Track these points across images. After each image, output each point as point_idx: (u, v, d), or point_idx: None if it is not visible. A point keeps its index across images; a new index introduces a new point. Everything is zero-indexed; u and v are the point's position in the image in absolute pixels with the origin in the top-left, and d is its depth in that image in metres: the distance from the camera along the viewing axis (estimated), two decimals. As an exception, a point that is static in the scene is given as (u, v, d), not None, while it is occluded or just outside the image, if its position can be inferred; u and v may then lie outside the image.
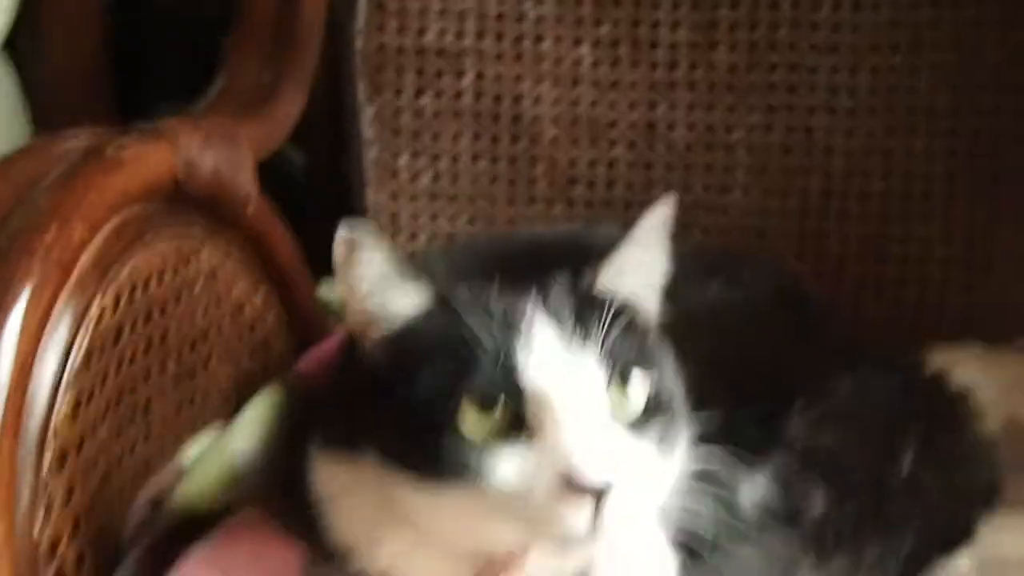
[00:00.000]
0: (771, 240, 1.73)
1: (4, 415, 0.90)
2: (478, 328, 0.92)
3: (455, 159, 1.78)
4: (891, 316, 1.71)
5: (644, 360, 0.97)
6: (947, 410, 1.28)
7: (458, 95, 1.77)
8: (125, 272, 1.09)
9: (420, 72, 1.77)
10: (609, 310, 0.96)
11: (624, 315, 0.97)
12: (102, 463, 1.07)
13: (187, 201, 1.20)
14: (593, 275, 1.01)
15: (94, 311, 1.04)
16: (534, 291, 0.97)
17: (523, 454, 0.90)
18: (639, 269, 1.03)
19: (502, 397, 0.90)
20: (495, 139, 1.78)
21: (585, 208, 1.76)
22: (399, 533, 1.00)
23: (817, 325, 1.35)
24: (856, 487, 1.15)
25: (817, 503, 1.13)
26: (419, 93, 1.77)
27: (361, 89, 1.77)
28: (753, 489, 1.11)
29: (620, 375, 0.94)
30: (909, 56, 1.70)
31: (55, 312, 0.98)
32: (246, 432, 1.21)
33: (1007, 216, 1.69)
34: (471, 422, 0.91)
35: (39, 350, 0.96)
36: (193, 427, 1.24)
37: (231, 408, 1.28)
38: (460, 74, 1.77)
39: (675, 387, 1.02)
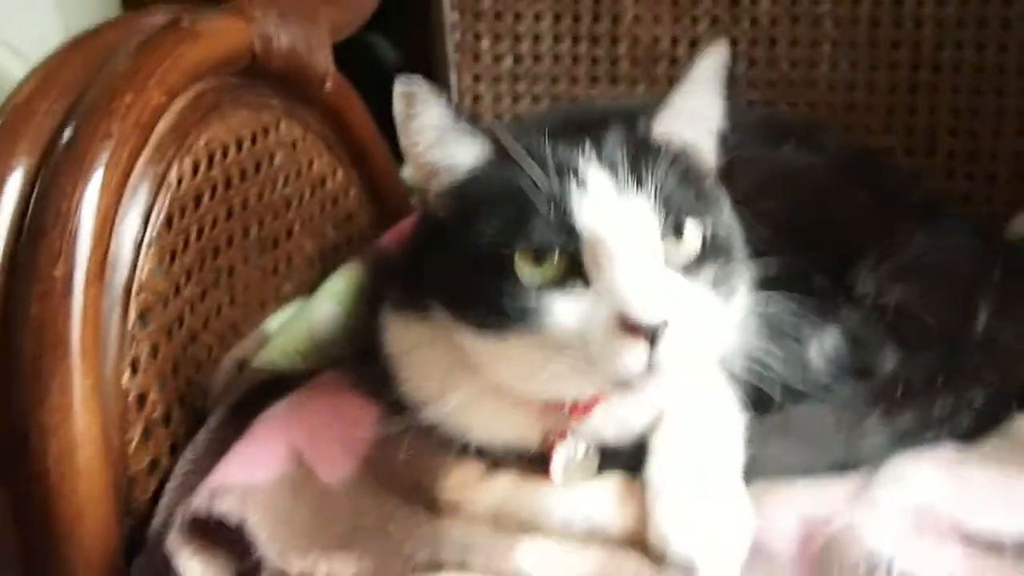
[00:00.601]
0: (859, 114, 1.67)
1: (89, 262, 0.91)
2: (534, 176, 0.92)
3: (537, 40, 1.75)
4: (981, 191, 1.64)
5: (699, 206, 0.95)
6: (1021, 270, 1.22)
7: (539, -25, 1.73)
8: (203, 140, 1.11)
9: (501, -47, 1.73)
10: (663, 157, 0.95)
11: (679, 162, 0.96)
12: (188, 323, 1.09)
13: (264, 76, 1.20)
14: (647, 123, 0.99)
15: (173, 176, 1.06)
16: (589, 141, 0.96)
17: (579, 298, 0.90)
18: (694, 114, 1.00)
19: (558, 243, 0.90)
20: (576, 19, 1.73)
21: (669, 87, 1.68)
22: (466, 384, 1.00)
23: (893, 187, 1.30)
24: (928, 343, 1.11)
25: (888, 359, 1.11)
26: (500, -25, 1.74)
27: (438, -21, 1.74)
28: (823, 343, 1.09)
29: (674, 221, 0.93)
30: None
31: (135, 173, 1.00)
32: (328, 301, 1.23)
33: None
34: (529, 268, 0.91)
35: (121, 208, 0.98)
36: (277, 295, 1.26)
37: (315, 279, 1.29)
38: (541, -46, 1.73)
39: (733, 232, 1.00)
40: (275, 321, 1.22)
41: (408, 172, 1.55)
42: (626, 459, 1.02)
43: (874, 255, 1.14)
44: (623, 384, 0.91)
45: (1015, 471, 1.00)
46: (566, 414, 1.01)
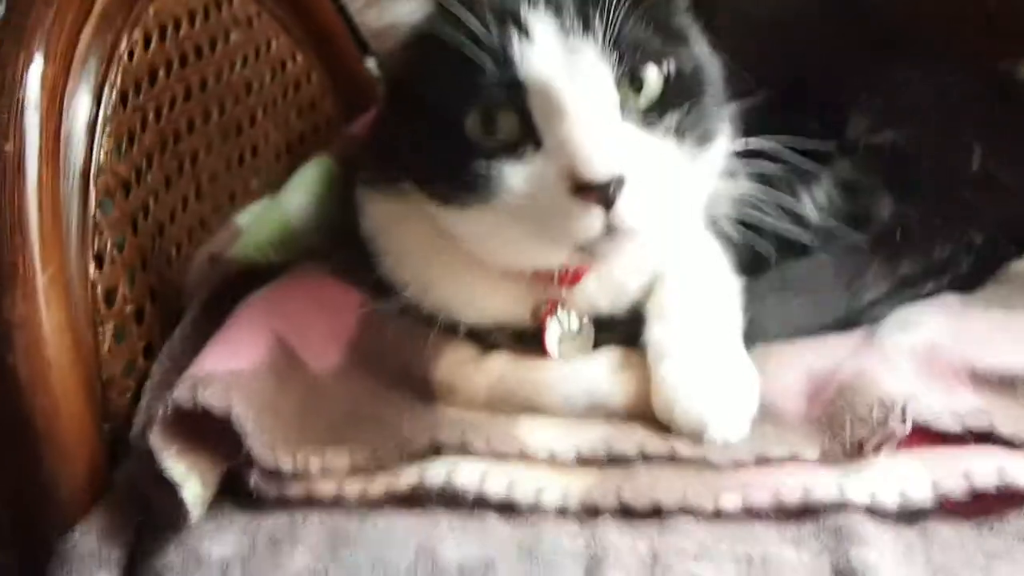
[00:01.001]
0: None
1: (41, 138, 0.84)
2: (473, 27, 0.83)
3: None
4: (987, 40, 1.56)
5: (661, 44, 0.86)
6: (1016, 104, 1.17)
7: None
8: (152, 10, 1.03)
9: None
10: None
11: None
12: (153, 214, 1.02)
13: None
14: None
15: (123, 47, 0.98)
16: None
17: (531, 160, 0.83)
18: None
19: (503, 99, 0.82)
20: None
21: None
22: (448, 257, 0.94)
23: (884, 25, 1.23)
24: (924, 184, 1.05)
25: (884, 205, 1.05)
26: None
27: None
28: (815, 191, 1.03)
29: (629, 65, 0.84)
30: None
31: (82, 43, 0.92)
32: (300, 193, 1.16)
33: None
34: (479, 131, 0.83)
35: (70, 81, 0.90)
36: (245, 189, 1.19)
37: (282, 173, 1.23)
38: None
39: (706, 69, 0.91)
40: (246, 215, 1.15)
41: (372, 62, 1.48)
42: (622, 331, 0.96)
43: (866, 95, 1.08)
44: (585, 249, 0.84)
45: (1019, 312, 0.96)
46: (555, 283, 0.95)
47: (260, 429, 0.83)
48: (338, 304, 0.99)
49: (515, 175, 0.83)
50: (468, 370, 0.95)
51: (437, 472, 0.83)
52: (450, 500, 0.82)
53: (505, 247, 0.88)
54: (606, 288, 0.97)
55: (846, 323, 0.98)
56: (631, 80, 0.84)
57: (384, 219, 0.99)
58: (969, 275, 1.03)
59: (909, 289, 1.00)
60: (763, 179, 0.95)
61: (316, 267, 1.04)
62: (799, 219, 1.01)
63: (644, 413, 0.89)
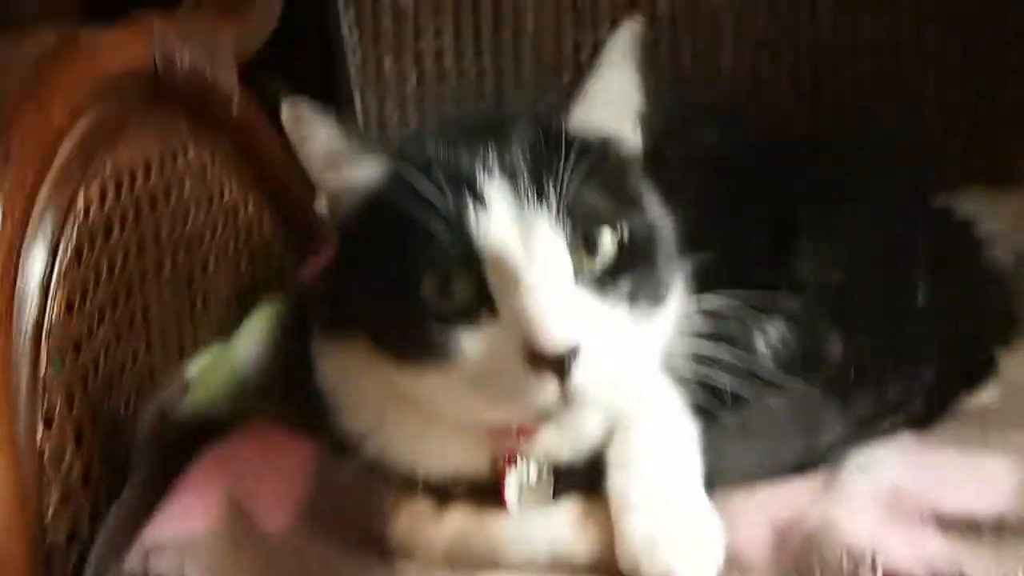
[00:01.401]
0: (765, 101, 1.60)
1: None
2: (429, 194, 0.82)
3: (440, 56, 1.66)
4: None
5: (615, 209, 0.86)
6: (956, 238, 1.18)
7: (438, -10, 1.65)
8: (109, 164, 1.02)
9: (396, -31, 1.64)
10: (572, 158, 0.84)
11: (594, 160, 0.86)
12: (103, 370, 0.99)
13: (169, 96, 1.11)
14: (560, 116, 0.89)
15: (80, 203, 0.97)
16: (491, 146, 0.86)
17: (487, 328, 0.81)
18: (612, 99, 0.91)
19: (458, 267, 0.81)
20: (477, 32, 1.65)
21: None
22: (406, 410, 0.91)
23: (817, 163, 1.24)
24: (872, 322, 1.05)
25: (835, 346, 1.03)
26: (397, -8, 1.65)
27: (341, 0, 1.64)
28: (768, 335, 1.01)
29: (583, 232, 0.83)
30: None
31: (40, 199, 0.90)
32: (250, 342, 1.13)
33: (1004, 56, 1.57)
34: (436, 298, 0.82)
35: (26, 238, 0.89)
36: (195, 339, 1.15)
37: (233, 320, 1.19)
38: (436, -33, 1.64)
39: (659, 231, 0.91)
40: (195, 366, 1.11)
41: (321, 205, 1.46)
42: (582, 479, 0.93)
43: (808, 233, 1.07)
44: (541, 415, 0.84)
45: (975, 451, 0.94)
46: (514, 435, 0.93)
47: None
48: (292, 460, 0.95)
49: (471, 341, 0.81)
50: (426, 526, 0.92)
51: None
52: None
53: (460, 408, 0.86)
54: (565, 436, 0.95)
55: (805, 466, 0.96)
56: (585, 245, 0.84)
57: (340, 371, 0.96)
58: (922, 413, 1.01)
59: (865, 429, 0.99)
60: (716, 326, 0.93)
61: (269, 420, 1.01)
62: (751, 364, 1.00)
63: (610, 567, 0.86)
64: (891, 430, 0.99)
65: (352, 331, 0.91)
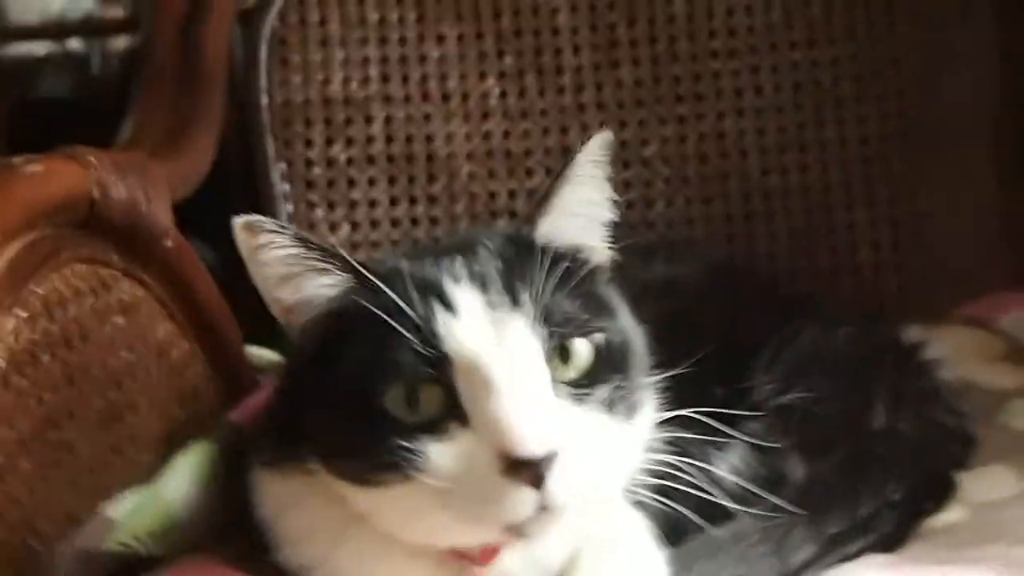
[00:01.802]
0: (701, 247, 1.62)
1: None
2: (397, 300, 0.79)
3: (373, 205, 1.65)
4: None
5: (588, 317, 0.84)
6: (909, 360, 1.19)
7: (369, 140, 1.65)
8: (40, 290, 0.97)
9: (328, 122, 1.64)
10: (543, 264, 0.83)
11: (564, 268, 0.84)
12: (26, 506, 0.92)
13: (103, 228, 1.07)
14: (528, 228, 0.88)
15: (9, 326, 0.92)
16: (458, 256, 0.84)
17: (458, 438, 0.77)
18: (580, 208, 0.89)
19: (426, 375, 0.78)
20: (411, 180, 1.65)
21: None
22: (356, 539, 0.86)
23: (766, 289, 1.24)
24: (834, 442, 1.04)
25: (797, 467, 1.02)
26: (329, 143, 1.64)
27: (270, 145, 1.63)
28: (730, 457, 0.99)
29: (559, 339, 0.81)
30: (808, 51, 1.64)
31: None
32: (180, 480, 1.05)
33: (928, 191, 1.62)
34: (402, 409, 0.78)
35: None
36: (122, 479, 1.08)
37: (161, 461, 1.12)
38: (369, 120, 1.65)
39: (631, 340, 0.89)
40: (119, 506, 1.03)
41: (255, 351, 1.42)
42: None
43: (765, 355, 1.07)
44: (516, 530, 0.78)
45: (954, 564, 0.91)
46: (476, 560, 0.87)
47: None
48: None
49: (440, 454, 0.77)
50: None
51: None
52: None
53: (425, 527, 0.81)
54: (526, 563, 0.89)
55: (778, 586, 0.93)
56: (560, 353, 0.81)
57: (283, 501, 0.90)
58: (892, 533, 0.99)
59: (838, 549, 0.95)
60: (678, 449, 0.90)
61: (205, 558, 0.94)
62: (715, 485, 0.96)
63: None
64: (862, 552, 0.96)
65: (298, 455, 0.86)
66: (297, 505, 0.89)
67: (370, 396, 0.78)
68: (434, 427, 0.77)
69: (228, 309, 1.31)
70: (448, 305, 0.79)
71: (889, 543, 0.98)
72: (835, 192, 1.63)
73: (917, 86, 1.63)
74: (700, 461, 0.91)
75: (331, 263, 0.83)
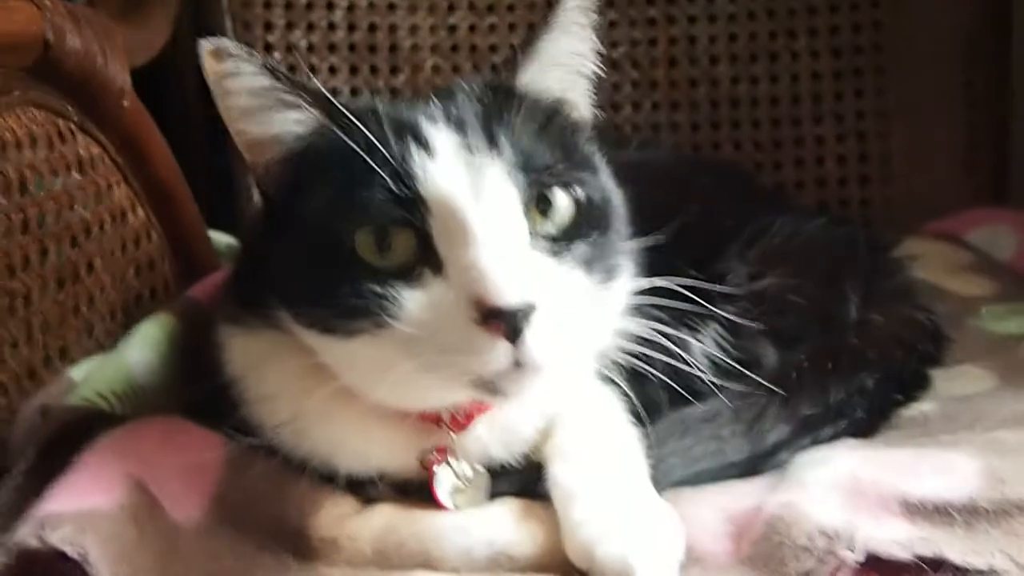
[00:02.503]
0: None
1: None
2: (371, 138, 0.74)
3: (333, 95, 1.59)
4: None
5: (569, 169, 0.80)
6: (882, 257, 1.17)
7: (331, 28, 1.60)
8: None
9: (290, 5, 1.59)
10: (525, 110, 0.79)
11: (546, 117, 0.81)
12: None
13: (58, 75, 1.03)
14: (510, 71, 0.84)
15: None
16: (435, 98, 0.80)
17: (431, 285, 0.73)
18: (564, 59, 0.86)
19: (399, 217, 0.73)
20: (374, 71, 1.61)
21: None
22: (325, 398, 0.82)
23: (741, 179, 1.22)
24: (807, 330, 1.02)
25: (770, 352, 1.00)
26: (290, 27, 1.59)
27: (229, 26, 1.57)
28: (704, 339, 0.97)
29: (537, 188, 0.77)
30: (783, -43, 1.62)
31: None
32: (142, 347, 1.03)
33: (896, 107, 1.61)
34: (372, 252, 0.74)
35: None
36: (79, 342, 1.04)
37: (118, 330, 1.10)
38: (331, 6, 1.59)
39: (611, 200, 0.86)
40: (80, 369, 1.00)
41: (215, 235, 1.37)
42: (517, 481, 0.87)
43: (740, 242, 1.05)
44: (488, 385, 0.74)
45: (928, 447, 0.90)
46: (445, 427, 0.85)
47: (116, 585, 0.68)
48: (199, 451, 0.85)
49: (412, 301, 0.73)
50: (352, 524, 0.83)
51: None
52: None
53: (394, 382, 0.76)
54: (498, 433, 0.87)
55: (750, 468, 0.91)
56: (538, 203, 0.78)
57: (251, 358, 0.87)
58: (864, 420, 0.98)
59: (810, 432, 0.94)
60: (653, 320, 0.88)
61: (170, 415, 0.90)
62: (690, 365, 0.95)
63: (554, 563, 0.79)
64: (835, 437, 0.95)
65: (267, 310, 0.83)
66: (265, 363, 0.86)
67: (340, 238, 0.74)
68: (406, 274, 0.74)
69: (185, 184, 1.27)
70: (424, 145, 0.75)
71: (862, 430, 0.97)
72: (804, 104, 1.62)
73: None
74: (676, 341, 0.89)
75: (302, 97, 0.78)
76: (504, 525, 0.81)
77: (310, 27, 1.59)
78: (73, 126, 1.06)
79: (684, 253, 0.96)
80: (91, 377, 0.96)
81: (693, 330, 0.96)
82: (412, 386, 0.77)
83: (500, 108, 0.80)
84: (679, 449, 0.90)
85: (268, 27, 1.58)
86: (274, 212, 0.82)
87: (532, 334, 0.72)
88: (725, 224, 1.07)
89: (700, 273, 0.98)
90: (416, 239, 0.74)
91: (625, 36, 1.62)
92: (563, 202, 0.79)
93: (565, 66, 0.86)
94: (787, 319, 1.02)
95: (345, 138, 0.75)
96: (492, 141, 0.76)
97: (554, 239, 0.78)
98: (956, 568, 0.74)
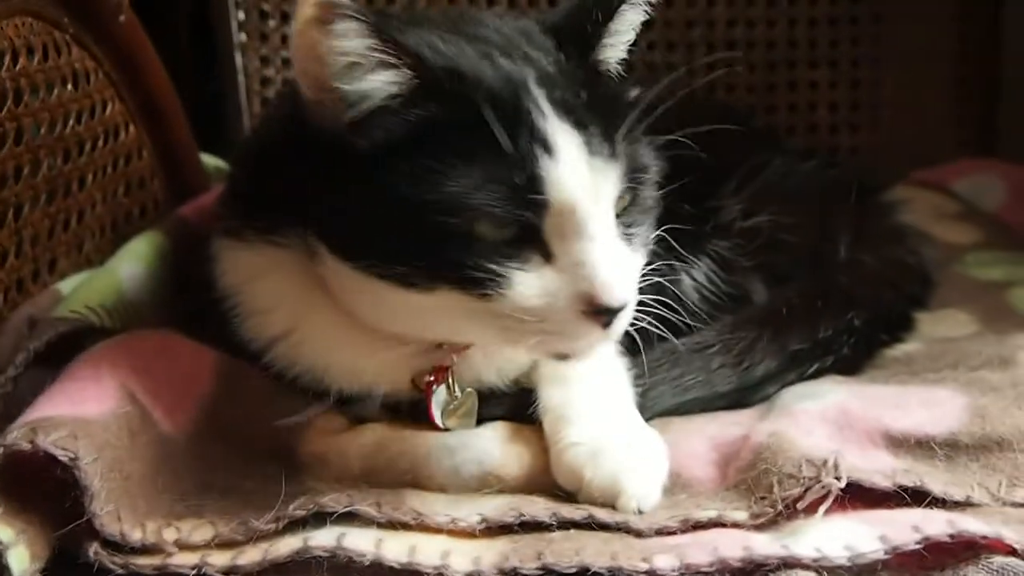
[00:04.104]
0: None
1: None
2: (496, 134, 0.72)
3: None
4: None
5: (641, 163, 0.80)
6: (872, 199, 1.17)
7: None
8: None
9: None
10: (622, 104, 0.79)
11: (628, 105, 0.79)
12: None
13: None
14: (595, 51, 0.82)
15: None
16: (542, 80, 0.76)
17: (541, 271, 0.73)
18: (628, 36, 0.84)
19: (523, 215, 0.72)
20: (371, -3, 1.59)
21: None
22: (324, 316, 0.83)
23: (735, 118, 1.21)
24: (799, 268, 1.03)
25: (760, 288, 1.01)
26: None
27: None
28: (695, 274, 0.98)
29: (628, 184, 0.77)
30: (786, -98, 1.60)
31: None
32: (132, 261, 1.02)
33: (890, 58, 1.61)
34: (489, 231, 0.72)
35: None
36: (68, 255, 1.03)
37: (107, 247, 1.09)
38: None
39: (653, 182, 0.84)
40: (69, 283, 0.99)
41: (206, 158, 1.35)
42: (507, 406, 0.87)
43: (734, 180, 1.04)
44: (564, 355, 0.77)
45: (913, 383, 0.91)
46: (445, 352, 0.85)
47: (106, 490, 0.68)
48: (190, 363, 0.85)
49: (524, 283, 0.73)
50: (341, 441, 0.83)
51: (324, 537, 0.69)
52: (341, 569, 0.68)
53: (459, 331, 0.79)
54: (493, 360, 0.88)
55: (738, 399, 0.92)
56: (627, 195, 0.78)
57: (248, 272, 0.86)
58: (850, 358, 0.99)
59: (798, 367, 0.95)
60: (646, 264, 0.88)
61: (162, 328, 0.90)
62: (681, 298, 0.95)
63: (541, 485, 0.79)
64: (822, 373, 0.96)
65: (275, 229, 0.82)
66: (264, 277, 0.85)
67: (454, 214, 0.72)
68: (515, 254, 0.73)
69: (179, 103, 1.25)
70: (546, 144, 0.73)
71: (848, 367, 0.97)
72: (800, 49, 1.61)
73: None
74: (667, 275, 0.89)
75: (403, 59, 0.73)
76: (493, 446, 0.81)
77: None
78: (69, 38, 1.04)
79: (680, 188, 0.96)
80: (80, 290, 0.95)
81: (685, 263, 0.97)
82: (478, 339, 0.81)
83: (606, 103, 0.78)
84: (669, 378, 0.91)
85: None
86: (338, 159, 0.76)
87: (619, 322, 0.74)
88: (720, 162, 1.06)
89: (694, 207, 0.99)
90: (530, 226, 0.73)
91: (622, -26, 1.60)
92: (646, 197, 0.80)
93: (626, 44, 0.84)
94: (778, 256, 1.03)
95: (446, 112, 0.73)
96: (612, 147, 0.75)
97: (626, 226, 0.78)
98: (936, 499, 0.75)
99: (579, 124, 0.75)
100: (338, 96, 0.74)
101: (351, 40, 0.72)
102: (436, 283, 0.73)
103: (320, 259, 0.79)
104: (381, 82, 0.73)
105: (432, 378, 0.85)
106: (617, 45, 0.84)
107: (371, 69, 0.73)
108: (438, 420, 0.85)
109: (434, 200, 0.72)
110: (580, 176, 0.73)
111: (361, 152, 0.74)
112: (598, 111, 0.76)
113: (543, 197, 0.72)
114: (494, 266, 0.72)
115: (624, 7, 0.82)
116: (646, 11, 0.83)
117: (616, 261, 0.74)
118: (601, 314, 0.73)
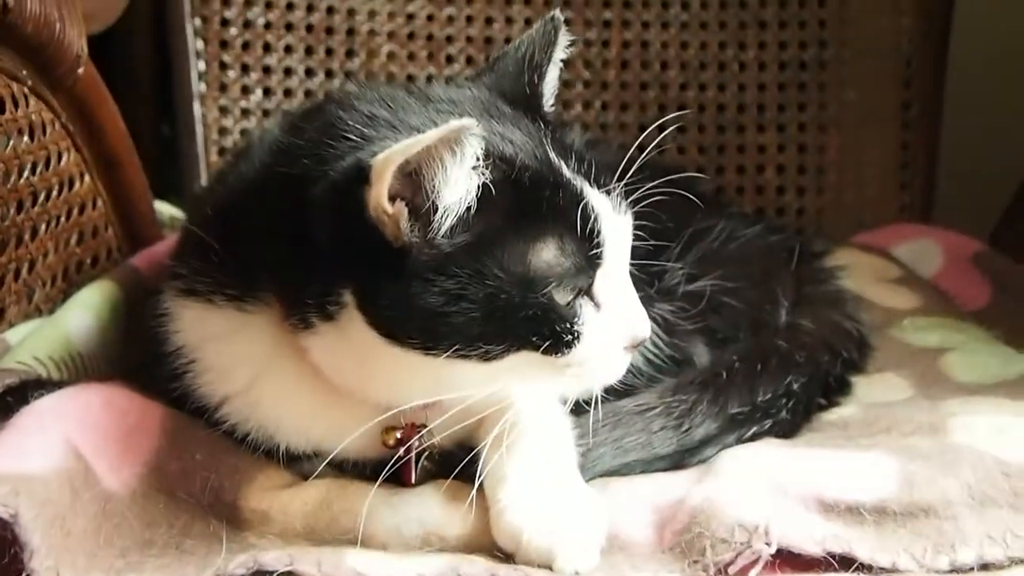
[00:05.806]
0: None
1: None
2: (557, 206, 0.80)
3: (288, 73, 1.60)
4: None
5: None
6: (814, 264, 1.21)
7: (289, 7, 1.59)
8: None
9: (248, -18, 1.58)
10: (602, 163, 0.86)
11: (609, 165, 0.87)
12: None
13: (15, 39, 1.01)
14: (543, 111, 0.91)
15: None
16: (567, 153, 0.84)
17: (596, 320, 0.82)
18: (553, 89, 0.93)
19: (590, 275, 0.82)
20: (329, 53, 1.61)
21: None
22: (282, 376, 0.84)
23: (682, 181, 1.24)
24: (739, 332, 1.06)
25: (702, 351, 1.04)
26: (248, 3, 1.58)
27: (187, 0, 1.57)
28: None
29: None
30: (737, -28, 1.65)
31: None
32: (82, 311, 1.03)
33: (835, 123, 1.65)
34: (559, 297, 0.80)
35: None
36: (17, 304, 1.03)
37: (57, 296, 1.09)
38: (290, -16, 1.59)
39: None
40: (17, 332, 0.99)
41: (160, 205, 1.36)
42: (450, 465, 0.87)
43: (678, 244, 1.07)
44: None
45: (847, 449, 0.93)
46: (412, 410, 0.85)
47: (47, 549, 0.68)
48: (138, 414, 0.85)
49: (588, 334, 0.81)
50: (284, 497, 0.83)
51: (263, 597, 0.70)
52: (282, 628, 0.69)
53: (494, 387, 0.82)
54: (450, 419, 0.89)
55: (677, 461, 0.94)
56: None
57: (205, 332, 0.87)
58: (788, 422, 1.00)
59: (737, 430, 0.97)
60: None
61: (109, 382, 0.90)
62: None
63: (482, 545, 0.80)
64: (760, 436, 0.97)
65: (247, 294, 0.84)
66: (225, 338, 0.86)
67: (532, 286, 0.79)
68: (578, 310, 0.81)
69: (135, 153, 1.26)
70: (594, 210, 0.81)
71: (785, 431, 0.99)
72: (748, 113, 1.65)
73: (839, 20, 1.65)
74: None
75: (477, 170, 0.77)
76: (435, 505, 0.82)
77: (268, 5, 1.59)
78: (27, 90, 1.04)
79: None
80: (28, 341, 0.95)
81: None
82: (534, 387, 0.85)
83: (592, 160, 0.85)
84: (611, 439, 0.92)
85: (226, 1, 1.57)
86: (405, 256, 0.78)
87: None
88: (665, 226, 1.09)
89: (639, 272, 1.01)
90: (588, 285, 0.82)
91: (579, 35, 1.62)
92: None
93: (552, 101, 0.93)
94: (720, 320, 1.05)
95: (516, 203, 0.79)
96: (619, 203, 0.85)
97: None
98: (863, 565, 0.77)
99: (600, 186, 0.84)
100: (431, 210, 0.77)
101: (466, 169, 0.76)
102: (514, 352, 0.79)
103: (308, 331, 0.80)
104: (460, 190, 0.77)
105: (400, 436, 0.87)
106: (548, 103, 0.92)
107: (463, 180, 0.77)
108: (415, 478, 0.86)
109: (517, 281, 0.78)
110: (617, 238, 0.83)
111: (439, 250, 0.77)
112: (598, 172, 0.85)
113: (601, 259, 0.81)
114: (567, 325, 0.80)
115: (549, 67, 0.90)
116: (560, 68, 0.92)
117: (639, 301, 0.86)
118: (636, 345, 0.85)
